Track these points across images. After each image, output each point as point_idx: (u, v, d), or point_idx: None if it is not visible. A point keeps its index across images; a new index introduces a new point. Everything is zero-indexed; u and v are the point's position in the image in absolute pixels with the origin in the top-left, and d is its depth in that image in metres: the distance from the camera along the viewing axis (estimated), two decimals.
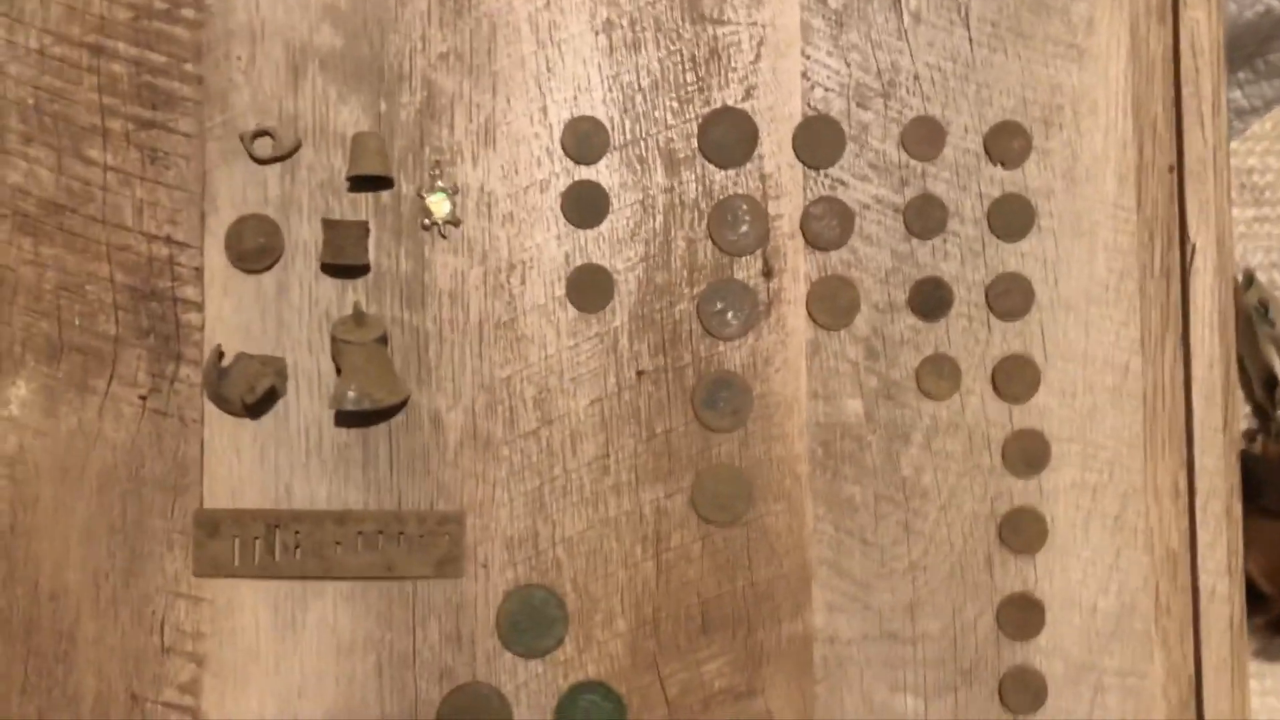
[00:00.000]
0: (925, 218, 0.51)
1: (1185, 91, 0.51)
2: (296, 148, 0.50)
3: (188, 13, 0.50)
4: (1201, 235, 0.51)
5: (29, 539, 0.48)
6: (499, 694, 0.48)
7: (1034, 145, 0.51)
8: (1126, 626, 0.51)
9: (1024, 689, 0.50)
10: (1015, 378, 0.50)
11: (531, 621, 0.49)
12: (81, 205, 0.49)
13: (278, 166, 0.50)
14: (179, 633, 0.48)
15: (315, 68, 0.50)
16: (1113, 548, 0.51)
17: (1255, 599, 0.89)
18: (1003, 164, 0.51)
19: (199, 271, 0.49)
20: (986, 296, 0.51)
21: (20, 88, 0.49)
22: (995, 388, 0.51)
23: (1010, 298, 0.51)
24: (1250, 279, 0.99)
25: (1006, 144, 0.51)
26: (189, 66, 0.50)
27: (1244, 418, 1.01)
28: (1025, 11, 0.51)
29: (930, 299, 0.50)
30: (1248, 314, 0.97)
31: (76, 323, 0.49)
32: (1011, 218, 0.51)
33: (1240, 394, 0.98)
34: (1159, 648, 0.51)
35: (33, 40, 0.49)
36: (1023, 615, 0.50)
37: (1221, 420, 0.51)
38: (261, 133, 0.50)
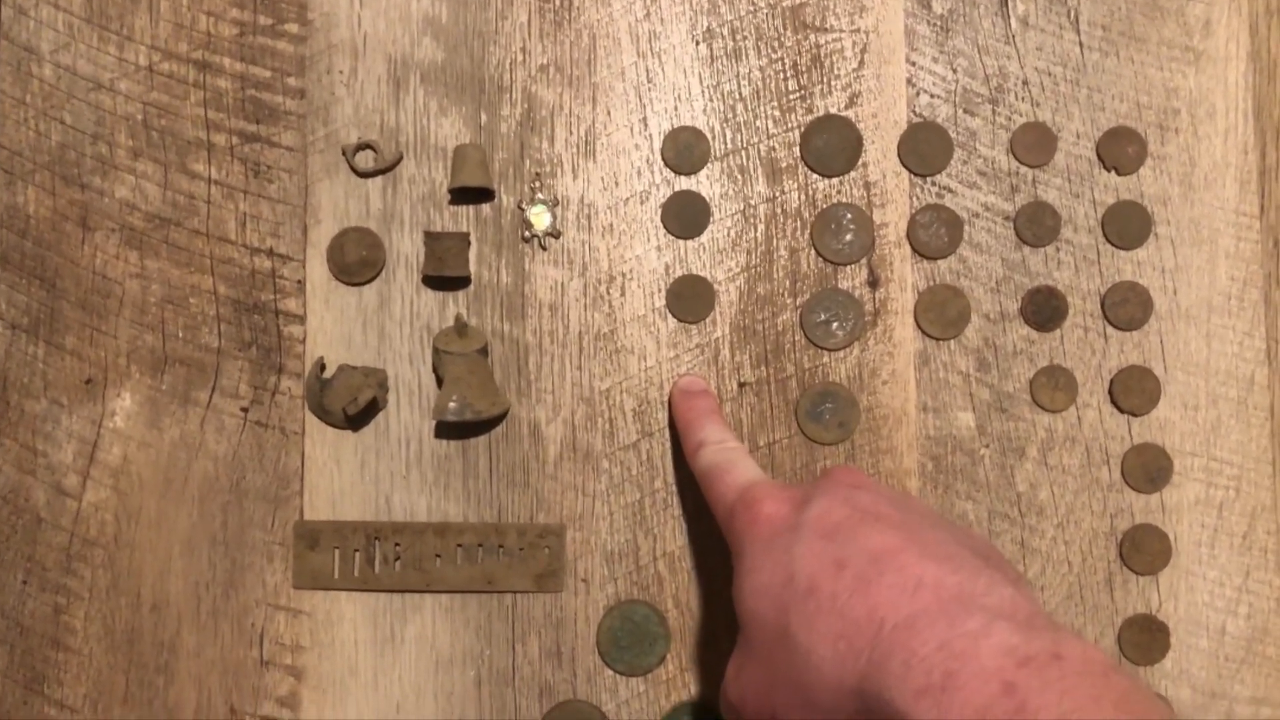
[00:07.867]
0: (1037, 225, 0.49)
1: None
2: (398, 160, 0.50)
3: (291, 27, 0.50)
4: None
5: (132, 550, 0.48)
6: (600, 712, 0.47)
7: (1149, 151, 0.49)
8: (1258, 651, 0.48)
9: None
10: (1134, 390, 0.48)
11: (632, 638, 0.48)
12: (186, 219, 0.50)
13: (379, 179, 0.50)
14: (278, 645, 0.48)
15: (416, 80, 0.50)
16: (1241, 567, 0.48)
17: None
18: (1116, 170, 0.49)
19: (301, 284, 0.49)
20: (1102, 306, 0.49)
21: (130, 104, 0.50)
22: (1113, 400, 0.49)
23: (1127, 307, 0.49)
24: None
25: (1120, 150, 0.49)
26: (292, 80, 0.50)
27: None
28: (1138, 15, 0.50)
29: (1044, 309, 0.49)
30: None
31: (180, 335, 0.49)
32: (1127, 225, 0.49)
33: None
34: None
35: (142, 57, 0.50)
36: (1146, 638, 0.48)
37: None
38: (363, 146, 0.50)
